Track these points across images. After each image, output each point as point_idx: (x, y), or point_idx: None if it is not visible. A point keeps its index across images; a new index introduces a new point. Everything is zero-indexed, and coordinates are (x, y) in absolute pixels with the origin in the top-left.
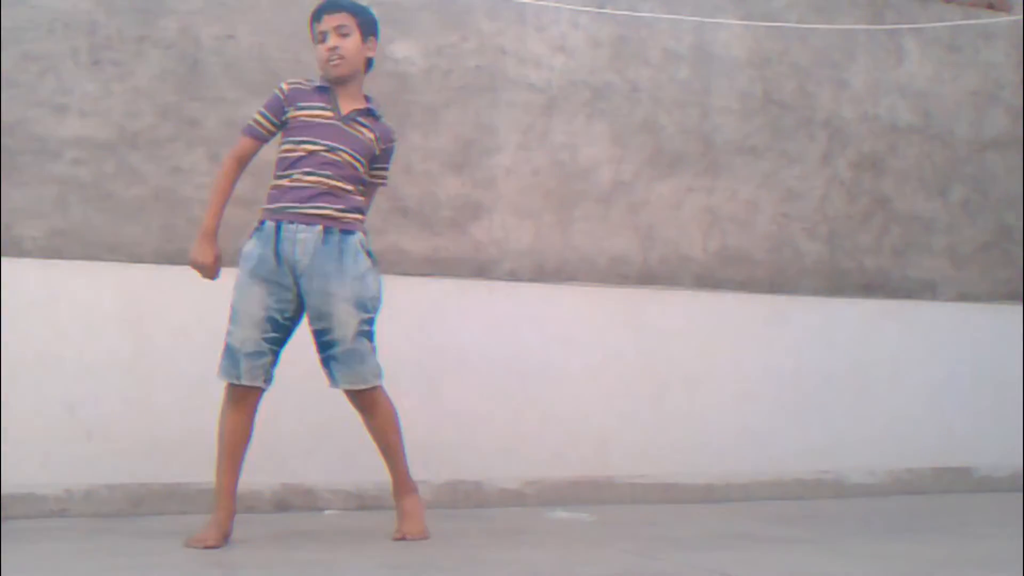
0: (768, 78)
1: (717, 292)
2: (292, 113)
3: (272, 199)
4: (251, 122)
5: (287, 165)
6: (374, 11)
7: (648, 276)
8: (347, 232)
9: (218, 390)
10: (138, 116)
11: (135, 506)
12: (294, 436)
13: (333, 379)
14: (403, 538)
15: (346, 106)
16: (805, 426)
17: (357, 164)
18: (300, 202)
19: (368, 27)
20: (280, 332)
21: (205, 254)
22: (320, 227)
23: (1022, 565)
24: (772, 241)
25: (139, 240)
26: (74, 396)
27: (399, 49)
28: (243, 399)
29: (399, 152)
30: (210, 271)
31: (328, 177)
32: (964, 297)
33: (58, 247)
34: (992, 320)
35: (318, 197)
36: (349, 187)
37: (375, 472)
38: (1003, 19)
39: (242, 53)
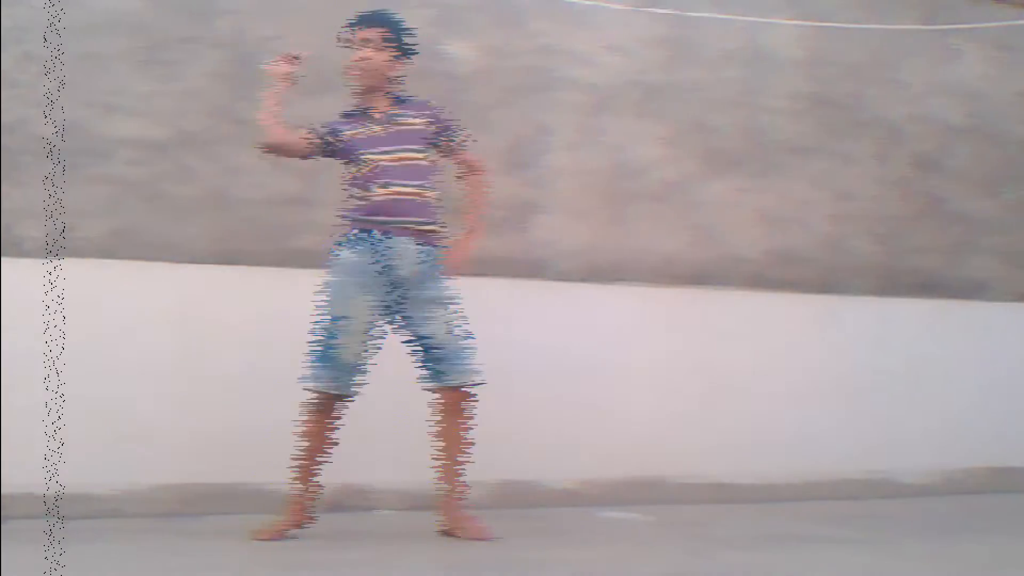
0: (820, 78)
1: (770, 292)
2: (347, 134)
3: (361, 210)
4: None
5: (370, 180)
6: (428, 13)
7: (701, 276)
8: (429, 244)
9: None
10: (191, 116)
11: (187, 505)
12: (346, 436)
13: (439, 377)
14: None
15: (377, 115)
16: (858, 426)
17: (420, 157)
18: (391, 214)
19: (397, 43)
20: (375, 341)
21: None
22: (413, 240)
23: None
24: (825, 241)
25: (192, 240)
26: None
27: (453, 48)
28: (334, 408)
29: None
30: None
31: (404, 185)
32: (1018, 297)
33: (112, 247)
34: None
35: (406, 208)
36: (426, 189)
37: (424, 471)
38: None
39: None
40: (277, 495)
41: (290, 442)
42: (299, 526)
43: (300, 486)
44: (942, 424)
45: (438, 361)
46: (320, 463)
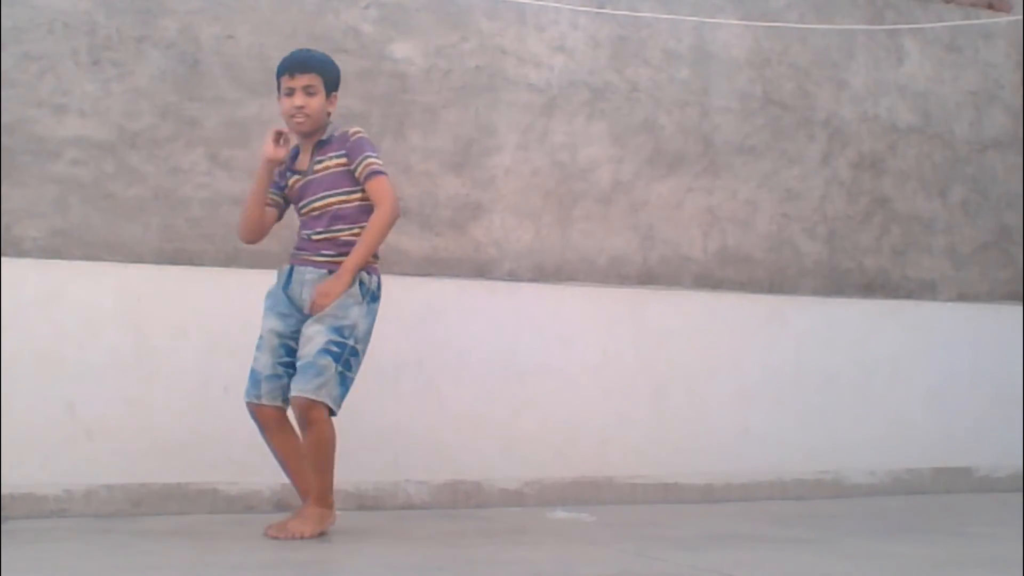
0: (768, 78)
1: (717, 292)
2: (286, 183)
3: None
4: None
5: (300, 227)
6: (374, 12)
7: (648, 276)
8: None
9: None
10: (138, 116)
11: (135, 506)
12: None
13: (287, 389)
14: (275, 535)
15: (306, 159)
16: (805, 426)
17: (335, 201)
18: (305, 250)
19: (333, 84)
20: (294, 358)
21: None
22: (325, 270)
23: (1022, 565)
24: (772, 241)
25: (139, 240)
26: (74, 396)
27: (399, 49)
28: (265, 417)
29: (399, 151)
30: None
31: (323, 232)
32: (964, 297)
33: (58, 247)
34: (992, 320)
35: (317, 247)
36: (339, 231)
37: (375, 472)
38: (1003, 19)
39: (241, 53)
40: (227, 495)
41: (239, 441)
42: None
43: (299, 490)
44: (888, 424)
45: (297, 369)
46: (297, 465)
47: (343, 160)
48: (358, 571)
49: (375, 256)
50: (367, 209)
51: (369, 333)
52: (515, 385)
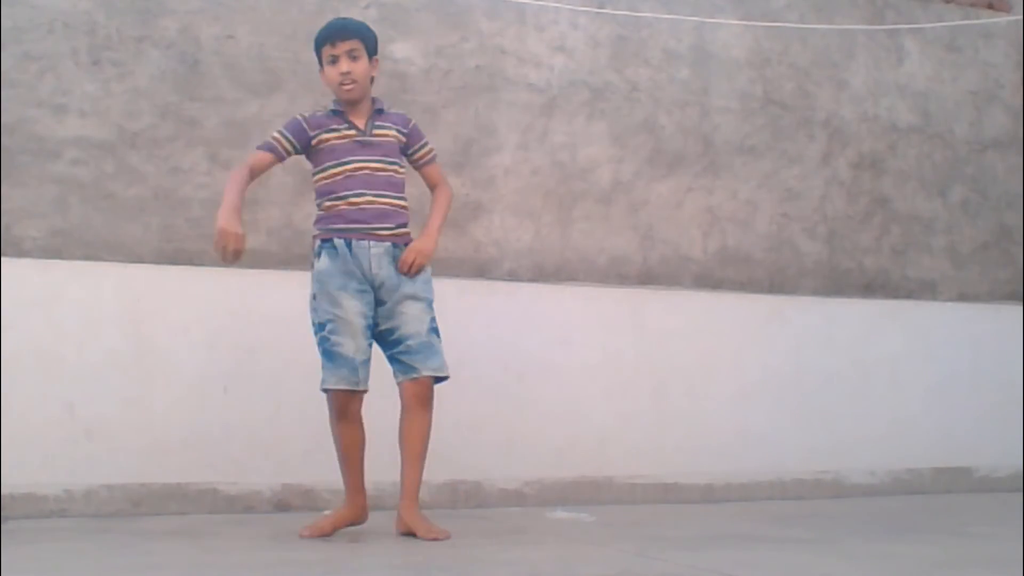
0: (768, 78)
1: (717, 292)
2: (319, 137)
3: (332, 220)
4: (271, 139)
5: (332, 189)
6: (374, 12)
7: (648, 276)
8: (407, 244)
9: (217, 390)
10: (138, 116)
11: (135, 506)
12: (295, 436)
13: (409, 370)
14: (435, 538)
15: (361, 121)
16: (805, 426)
17: (392, 168)
18: (363, 222)
19: (373, 48)
20: (371, 339)
21: (233, 224)
22: (389, 243)
23: (1022, 565)
24: (772, 241)
25: (139, 240)
26: (74, 396)
27: (399, 49)
28: (355, 405)
29: None
30: (238, 242)
31: (380, 196)
32: (964, 297)
33: (58, 247)
34: (992, 320)
35: (383, 217)
36: (398, 200)
37: (375, 472)
38: (1003, 19)
39: (241, 53)
40: (227, 495)
41: (239, 441)
42: (354, 523)
43: (348, 482)
44: (888, 424)
45: (408, 354)
46: (361, 459)
47: (403, 137)
48: (358, 571)
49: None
50: (425, 173)
51: None
52: (515, 385)
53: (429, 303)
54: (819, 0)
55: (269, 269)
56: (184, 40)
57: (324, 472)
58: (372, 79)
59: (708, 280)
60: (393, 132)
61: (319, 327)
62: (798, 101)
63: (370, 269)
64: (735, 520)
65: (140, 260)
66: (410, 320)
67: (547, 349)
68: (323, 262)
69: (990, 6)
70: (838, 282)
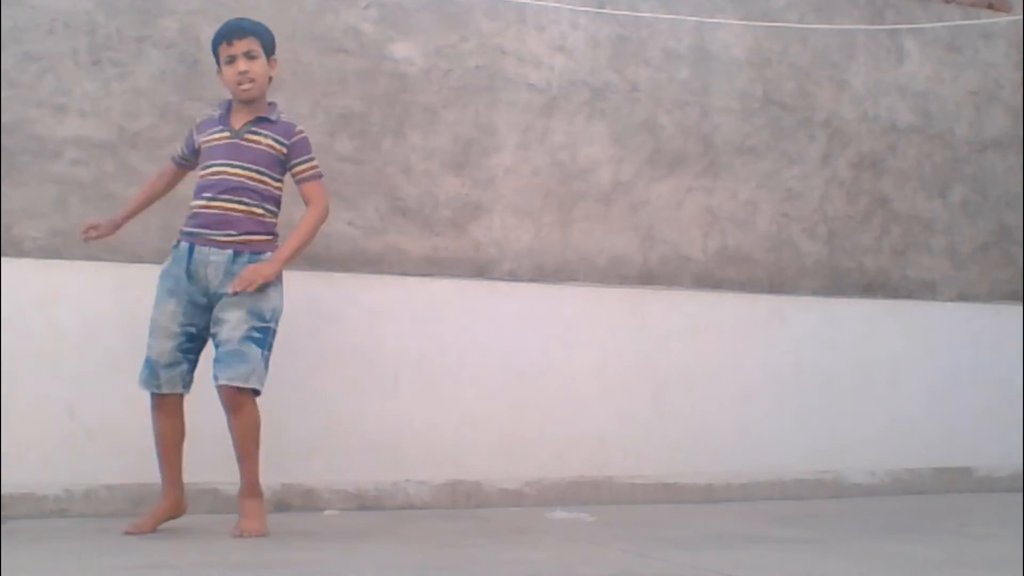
0: (768, 78)
1: (717, 292)
2: (201, 139)
3: (186, 222)
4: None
5: (198, 190)
6: (374, 12)
7: (648, 276)
8: (256, 253)
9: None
10: (138, 116)
11: (135, 506)
12: (294, 436)
13: (216, 376)
14: (241, 535)
15: (239, 123)
16: (805, 426)
17: (257, 177)
18: (209, 227)
19: (270, 48)
20: (194, 343)
21: (103, 220)
22: (230, 251)
23: (1022, 565)
24: (772, 241)
25: (139, 240)
26: (74, 396)
27: (399, 49)
28: (165, 403)
29: (399, 151)
30: (95, 232)
31: (229, 201)
32: (964, 297)
33: (58, 247)
34: (992, 320)
35: (225, 224)
36: (254, 207)
37: (375, 472)
38: (1003, 19)
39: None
40: (227, 495)
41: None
42: (172, 516)
43: (164, 475)
44: (888, 424)
45: (217, 361)
46: (177, 453)
47: (282, 148)
48: (358, 571)
49: (274, 235)
50: (277, 201)
51: (282, 309)
52: (515, 385)
53: (253, 313)
54: (819, 0)
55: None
56: (184, 40)
57: (324, 472)
58: (270, 79)
59: (708, 280)
60: (269, 140)
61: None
62: (798, 101)
63: (205, 276)
64: (735, 520)
65: (140, 260)
66: (226, 327)
67: (547, 349)
68: (166, 262)
69: (990, 6)
70: (838, 282)
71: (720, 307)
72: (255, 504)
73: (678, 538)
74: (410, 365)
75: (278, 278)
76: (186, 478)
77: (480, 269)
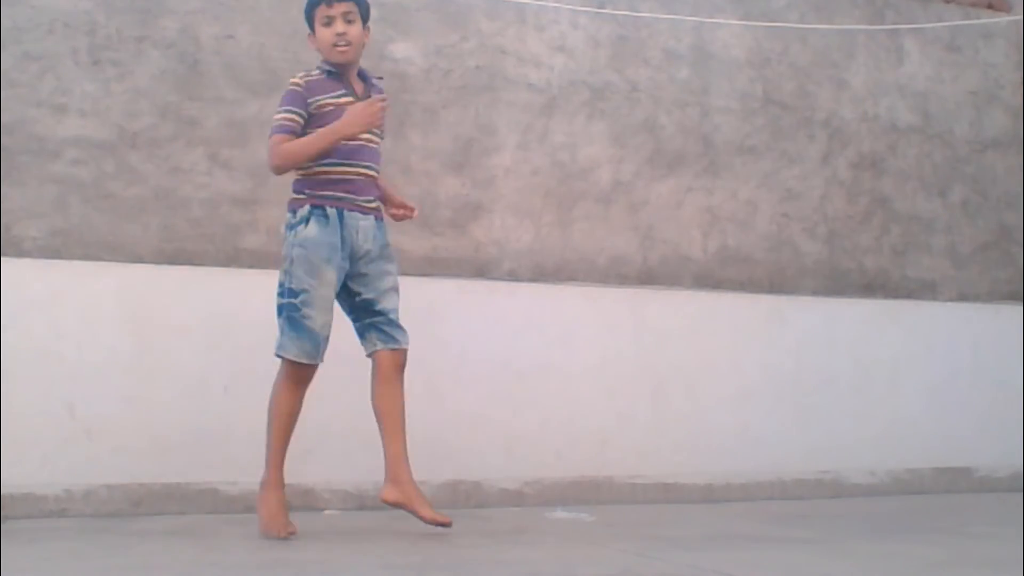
0: (768, 78)
1: (717, 292)
2: (318, 103)
3: (323, 187)
4: (285, 122)
5: (329, 155)
6: (374, 12)
7: (648, 276)
8: (381, 219)
9: (217, 390)
10: (138, 116)
11: (135, 506)
12: (294, 436)
13: (389, 340)
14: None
15: (357, 88)
16: (805, 426)
17: (377, 141)
18: (355, 193)
19: (367, 15)
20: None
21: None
22: (372, 216)
23: (1022, 565)
24: (772, 241)
25: (139, 240)
26: (74, 396)
27: (399, 49)
28: (308, 378)
29: (399, 151)
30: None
31: (368, 168)
32: (964, 297)
33: (58, 247)
34: (992, 320)
35: (367, 189)
36: (377, 170)
37: (375, 472)
38: (1003, 19)
39: (242, 53)
40: (227, 495)
41: (239, 441)
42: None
43: (276, 457)
44: (888, 424)
45: (388, 325)
46: (291, 430)
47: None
48: (358, 571)
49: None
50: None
51: None
52: (515, 385)
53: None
54: (819, 0)
55: (269, 269)
56: (184, 40)
57: (324, 472)
58: (363, 45)
59: (708, 280)
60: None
61: (290, 293)
62: (798, 101)
63: (356, 240)
64: (735, 520)
65: (140, 260)
66: (390, 294)
67: (547, 349)
68: (311, 229)
69: (990, 6)
70: (838, 282)
71: (720, 307)
72: (414, 486)
73: (678, 538)
74: (410, 365)
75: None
76: (186, 478)
77: (480, 269)
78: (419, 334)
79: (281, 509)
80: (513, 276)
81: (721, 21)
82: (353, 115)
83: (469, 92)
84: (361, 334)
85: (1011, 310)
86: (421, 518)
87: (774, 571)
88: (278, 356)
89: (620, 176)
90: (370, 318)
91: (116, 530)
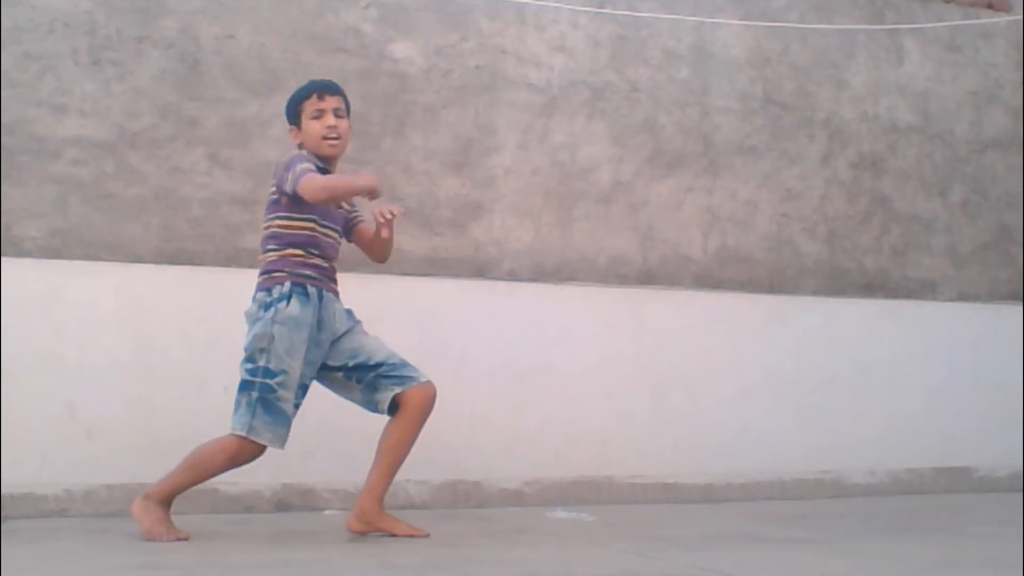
0: (768, 78)
1: (717, 292)
2: None
3: (299, 267)
4: (307, 166)
5: (316, 244)
6: (374, 12)
7: (648, 276)
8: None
9: (217, 390)
10: (138, 116)
11: None
12: (294, 436)
13: (409, 380)
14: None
15: None
16: (805, 426)
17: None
18: (330, 278)
19: (349, 110)
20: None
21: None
22: (335, 296)
23: (1022, 565)
24: (772, 241)
25: (139, 240)
26: (74, 396)
27: (399, 49)
28: (254, 459)
29: (399, 151)
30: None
31: (333, 259)
32: (964, 297)
33: (58, 247)
34: (992, 320)
35: (334, 278)
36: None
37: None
38: (1003, 19)
39: (242, 53)
40: (227, 495)
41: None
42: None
43: (180, 489)
44: (888, 424)
45: (397, 368)
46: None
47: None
48: (358, 571)
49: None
50: None
51: None
52: (515, 385)
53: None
54: (819, 0)
55: None
56: (184, 40)
57: (324, 472)
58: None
59: (708, 280)
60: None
61: (266, 373)
62: (798, 101)
63: (334, 323)
64: (735, 520)
65: (140, 260)
66: (379, 348)
67: (547, 349)
68: (293, 307)
69: (990, 6)
70: (838, 282)
71: (720, 307)
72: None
73: (678, 538)
74: None
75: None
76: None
77: (480, 269)
78: (419, 334)
79: (166, 519)
80: (513, 276)
81: (721, 21)
82: (374, 179)
83: (469, 92)
84: (371, 393)
85: (1011, 310)
86: (396, 535)
87: (774, 571)
88: (244, 438)
89: (620, 176)
90: (372, 372)
91: (116, 530)
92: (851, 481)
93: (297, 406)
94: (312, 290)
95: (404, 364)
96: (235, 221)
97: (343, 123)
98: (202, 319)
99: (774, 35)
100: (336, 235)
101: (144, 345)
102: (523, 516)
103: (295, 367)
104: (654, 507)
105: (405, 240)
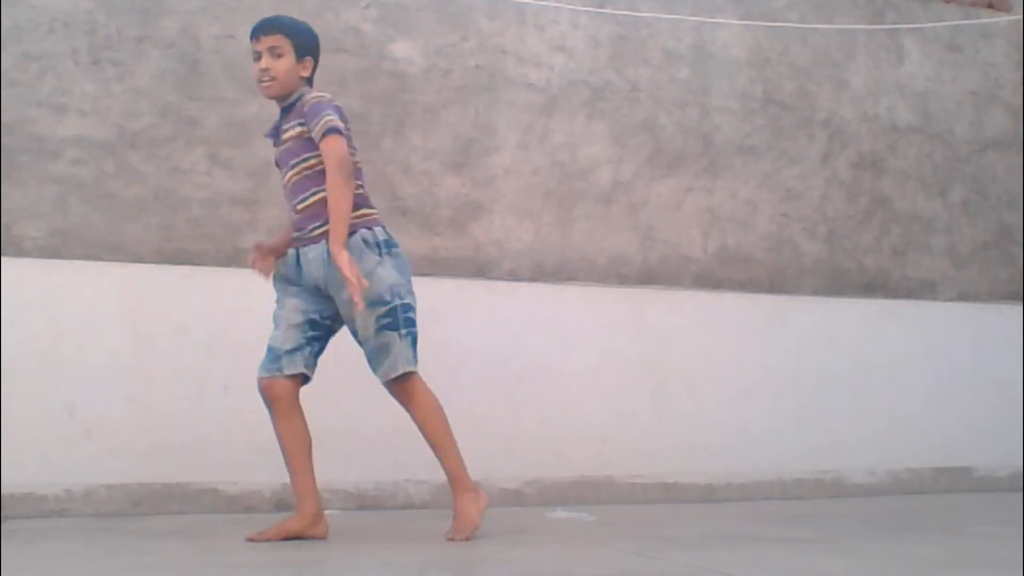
0: (768, 78)
1: (717, 292)
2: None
3: (367, 201)
4: (338, 125)
5: (359, 175)
6: (374, 12)
7: (648, 276)
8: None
9: (217, 390)
10: (138, 116)
11: (135, 506)
12: None
13: (375, 373)
14: (450, 539)
15: (285, 122)
16: (805, 426)
17: (305, 168)
18: (298, 229)
19: (304, 48)
20: (319, 331)
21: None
22: (321, 244)
23: (1022, 565)
24: (772, 241)
25: (139, 240)
26: (74, 396)
27: (399, 49)
28: (275, 396)
29: (399, 151)
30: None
31: (299, 201)
32: (964, 297)
33: (58, 247)
34: (992, 320)
35: (304, 220)
36: (312, 196)
37: (375, 472)
38: (1003, 19)
39: (242, 53)
40: (227, 495)
41: (239, 441)
42: (303, 535)
43: (293, 484)
44: (888, 424)
45: (368, 358)
46: (302, 461)
47: (303, 128)
48: (358, 571)
49: (363, 212)
50: (320, 173)
51: (407, 280)
52: (515, 385)
53: (371, 302)
54: (819, 0)
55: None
56: (184, 40)
57: (324, 472)
58: (304, 79)
59: (708, 280)
60: (296, 129)
61: (407, 308)
62: (798, 101)
63: (311, 274)
64: (735, 520)
65: (140, 260)
66: (358, 327)
67: (547, 349)
68: (392, 240)
69: (990, 6)
70: (838, 282)
71: (720, 307)
72: (462, 502)
73: (678, 538)
74: None
75: (380, 253)
76: (186, 478)
77: (480, 269)
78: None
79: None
80: (513, 276)
81: (721, 21)
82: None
83: (469, 92)
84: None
85: (1011, 310)
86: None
87: (774, 571)
88: (415, 372)
89: (620, 176)
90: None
91: (116, 530)
92: (851, 481)
93: (310, 338)
94: (289, 253)
95: (369, 357)
96: (235, 221)
97: (279, 64)
98: (202, 319)
99: (774, 35)
100: (283, 175)
101: (144, 345)
102: (523, 516)
103: (284, 308)
104: (654, 507)
105: (405, 240)
